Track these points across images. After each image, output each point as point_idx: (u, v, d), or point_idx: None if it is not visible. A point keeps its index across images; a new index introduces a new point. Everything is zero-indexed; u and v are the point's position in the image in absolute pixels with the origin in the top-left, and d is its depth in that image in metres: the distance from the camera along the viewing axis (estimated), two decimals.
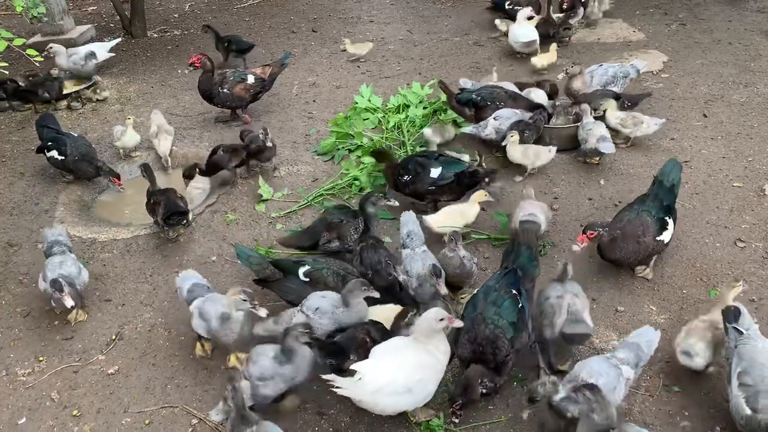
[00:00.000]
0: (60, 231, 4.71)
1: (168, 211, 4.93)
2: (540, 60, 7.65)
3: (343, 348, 3.57)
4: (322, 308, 3.81)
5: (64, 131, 6.16)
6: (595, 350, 3.93)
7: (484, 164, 5.70)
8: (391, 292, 4.13)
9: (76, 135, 6.16)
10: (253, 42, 8.75)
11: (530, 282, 3.80)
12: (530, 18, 8.07)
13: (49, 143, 5.90)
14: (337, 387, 3.14)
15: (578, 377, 3.23)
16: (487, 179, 5.00)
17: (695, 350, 3.55)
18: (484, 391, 3.41)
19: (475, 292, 3.76)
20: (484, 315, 3.47)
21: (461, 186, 5.01)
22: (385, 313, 3.87)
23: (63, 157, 5.80)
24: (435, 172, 4.96)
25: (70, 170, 5.92)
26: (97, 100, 7.74)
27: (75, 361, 4.15)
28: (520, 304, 3.54)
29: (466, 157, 5.69)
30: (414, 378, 3.24)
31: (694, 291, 4.33)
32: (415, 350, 3.31)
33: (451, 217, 4.75)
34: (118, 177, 5.81)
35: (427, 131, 6.19)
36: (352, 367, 3.22)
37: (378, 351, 3.37)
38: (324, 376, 3.19)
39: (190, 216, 5.20)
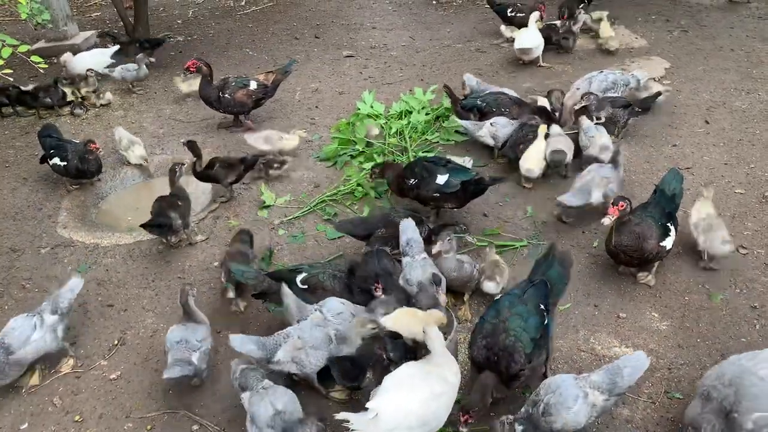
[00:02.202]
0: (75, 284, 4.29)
1: (148, 220, 4.93)
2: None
3: (360, 366, 3.49)
4: (345, 314, 3.78)
5: (65, 139, 6.17)
6: (596, 356, 3.93)
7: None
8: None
9: (77, 142, 6.18)
10: (163, 38, 8.94)
11: (555, 298, 3.67)
12: (539, 21, 8.08)
13: (51, 151, 5.94)
14: (352, 429, 3.03)
15: (539, 393, 3.25)
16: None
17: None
18: (490, 400, 3.38)
19: (498, 297, 3.72)
20: (507, 325, 3.39)
21: (466, 194, 4.99)
22: (405, 317, 3.77)
23: (65, 163, 5.84)
24: (441, 179, 4.89)
25: (74, 175, 5.94)
26: (101, 105, 7.77)
27: (77, 366, 4.15)
28: (546, 321, 3.47)
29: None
30: (429, 410, 3.15)
31: (696, 297, 4.33)
32: (428, 379, 3.19)
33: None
34: (93, 142, 5.93)
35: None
36: (367, 405, 3.10)
37: (390, 383, 3.21)
38: (337, 416, 3.08)
39: (179, 223, 5.02)
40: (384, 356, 3.52)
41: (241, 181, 5.85)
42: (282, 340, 3.67)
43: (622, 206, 4.18)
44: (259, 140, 6.28)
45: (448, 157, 5.47)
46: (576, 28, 8.47)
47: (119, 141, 6.35)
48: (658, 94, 6.45)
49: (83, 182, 6.10)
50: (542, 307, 3.49)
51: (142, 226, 4.91)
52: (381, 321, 3.72)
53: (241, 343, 3.66)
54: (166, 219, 4.93)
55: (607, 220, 4.20)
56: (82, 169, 5.90)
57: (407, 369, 3.28)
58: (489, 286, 4.34)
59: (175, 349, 3.78)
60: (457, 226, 4.83)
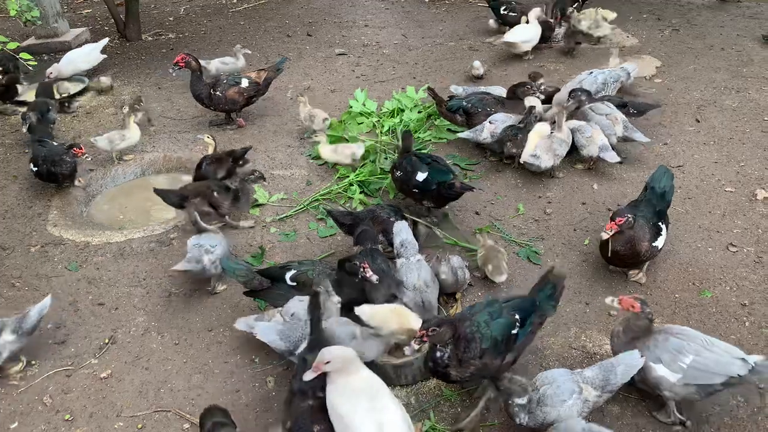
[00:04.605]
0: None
1: (164, 189, 5.31)
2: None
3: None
4: (298, 313, 3.79)
5: (46, 142, 5.95)
6: (587, 354, 3.94)
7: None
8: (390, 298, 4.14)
9: (56, 144, 6.00)
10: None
11: (540, 317, 3.64)
12: (537, 18, 8.14)
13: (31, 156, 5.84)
14: None
15: (534, 383, 3.27)
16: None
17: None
18: (438, 354, 3.32)
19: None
20: (474, 318, 3.46)
21: (440, 196, 5.01)
22: (385, 314, 3.83)
23: (36, 168, 5.72)
24: (421, 176, 4.96)
25: (47, 179, 5.79)
26: (75, 93, 7.71)
27: (68, 365, 4.13)
28: (515, 331, 3.46)
29: None
30: (405, 415, 3.09)
31: (686, 295, 4.35)
32: (381, 394, 3.08)
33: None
34: (79, 147, 5.81)
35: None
36: None
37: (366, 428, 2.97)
38: None
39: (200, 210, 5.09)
40: (310, 402, 3.21)
41: (233, 177, 5.81)
42: (307, 333, 3.60)
43: (621, 221, 4.15)
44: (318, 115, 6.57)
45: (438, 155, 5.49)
46: (567, 26, 8.48)
47: (110, 142, 6.31)
48: (657, 106, 6.46)
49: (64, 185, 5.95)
50: (517, 317, 3.48)
51: (155, 190, 5.24)
52: (357, 311, 3.75)
53: (264, 331, 3.63)
54: (176, 199, 5.15)
55: (604, 235, 4.20)
56: (53, 173, 5.70)
57: (357, 404, 3.03)
58: (502, 279, 4.45)
59: (192, 250, 4.44)
60: (428, 218, 4.98)
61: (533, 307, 3.57)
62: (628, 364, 3.31)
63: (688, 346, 3.28)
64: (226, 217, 5.30)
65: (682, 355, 3.27)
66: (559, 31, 8.36)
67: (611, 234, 4.18)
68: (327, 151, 5.98)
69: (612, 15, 8.53)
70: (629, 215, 4.17)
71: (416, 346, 3.33)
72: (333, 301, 3.77)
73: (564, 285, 3.70)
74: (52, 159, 5.70)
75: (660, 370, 3.30)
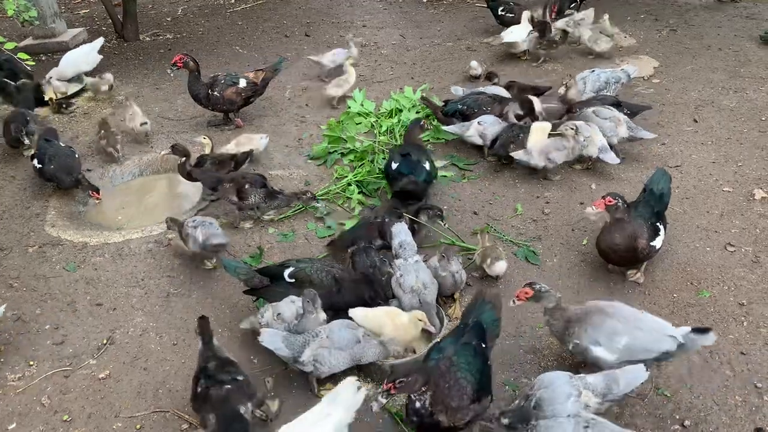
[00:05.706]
0: None
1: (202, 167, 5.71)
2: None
3: None
4: (283, 315, 3.83)
5: (50, 141, 5.96)
6: None
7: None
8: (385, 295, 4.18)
9: (62, 145, 6.05)
10: None
11: (491, 340, 3.52)
12: (531, 19, 8.15)
13: (34, 152, 5.84)
14: None
15: (532, 387, 3.24)
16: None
17: None
18: (417, 404, 3.12)
19: (435, 341, 3.64)
20: (455, 360, 3.24)
21: (396, 189, 5.19)
22: (379, 317, 3.84)
23: (41, 166, 5.73)
24: (394, 165, 5.20)
25: (49, 179, 5.81)
26: (72, 94, 7.75)
27: (66, 365, 4.13)
28: (489, 361, 3.39)
29: None
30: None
31: (684, 295, 4.36)
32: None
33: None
34: (97, 191, 5.73)
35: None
36: None
37: None
38: None
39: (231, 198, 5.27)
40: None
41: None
42: (311, 338, 3.64)
43: (610, 201, 4.19)
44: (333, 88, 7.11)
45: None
46: (562, 23, 8.43)
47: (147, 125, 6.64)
48: (649, 107, 6.46)
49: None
50: (483, 345, 3.38)
51: (192, 172, 5.51)
52: (351, 313, 3.82)
53: (270, 338, 3.64)
54: (212, 181, 5.34)
55: (589, 209, 4.29)
56: (58, 177, 5.69)
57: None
58: (501, 266, 4.44)
59: (203, 228, 4.62)
60: (434, 209, 4.95)
61: (484, 332, 3.45)
62: (632, 376, 3.27)
63: (623, 328, 3.46)
64: (242, 212, 5.31)
65: (618, 337, 3.45)
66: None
67: (596, 211, 4.24)
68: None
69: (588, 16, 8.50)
70: (620, 200, 4.21)
71: (384, 401, 3.08)
72: (319, 319, 3.78)
73: (501, 302, 3.66)
74: (64, 164, 5.71)
75: (598, 352, 3.49)
